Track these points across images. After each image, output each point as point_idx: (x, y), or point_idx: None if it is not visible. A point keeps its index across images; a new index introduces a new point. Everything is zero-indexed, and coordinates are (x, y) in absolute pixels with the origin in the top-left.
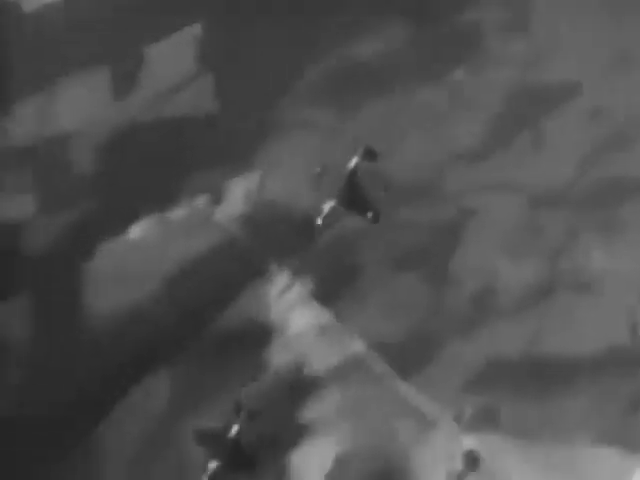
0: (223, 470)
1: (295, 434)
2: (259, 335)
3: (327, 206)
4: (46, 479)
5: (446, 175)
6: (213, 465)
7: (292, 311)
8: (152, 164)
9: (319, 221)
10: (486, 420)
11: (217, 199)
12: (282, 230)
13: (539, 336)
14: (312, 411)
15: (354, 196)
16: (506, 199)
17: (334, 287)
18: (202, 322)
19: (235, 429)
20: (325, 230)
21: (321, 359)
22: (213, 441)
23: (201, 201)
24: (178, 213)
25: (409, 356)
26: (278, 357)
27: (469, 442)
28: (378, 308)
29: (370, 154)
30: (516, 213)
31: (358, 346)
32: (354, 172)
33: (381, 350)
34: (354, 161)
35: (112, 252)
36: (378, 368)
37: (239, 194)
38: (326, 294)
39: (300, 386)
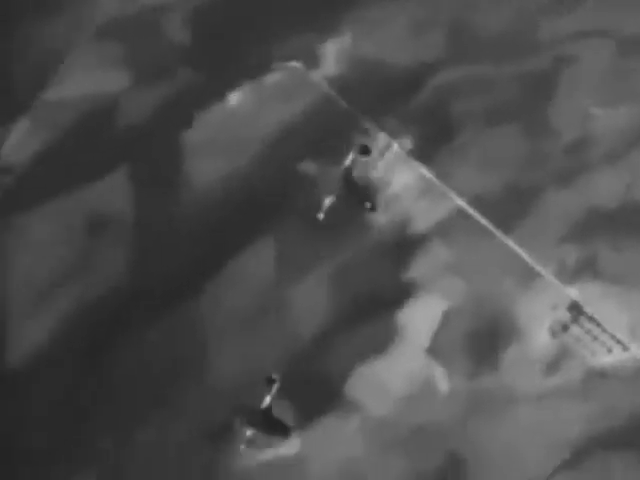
0: (259, 437)
1: (401, 293)
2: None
3: (327, 201)
4: (159, 338)
5: (539, 25)
6: (249, 433)
7: (392, 170)
8: (245, 31)
9: (321, 216)
10: (586, 269)
11: (311, 62)
12: (378, 90)
13: (635, 183)
14: (417, 269)
15: (351, 191)
16: (598, 46)
17: (432, 145)
18: (305, 183)
19: (267, 400)
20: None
21: (423, 217)
22: (247, 412)
23: (295, 65)
24: (273, 78)
25: (509, 209)
26: (381, 216)
27: (571, 292)
28: (476, 163)
29: (364, 150)
30: (608, 60)
31: (459, 202)
32: (350, 169)
33: (482, 205)
34: (350, 158)
35: (210, 120)
36: (480, 223)
37: (333, 56)
38: (425, 152)
39: (404, 245)
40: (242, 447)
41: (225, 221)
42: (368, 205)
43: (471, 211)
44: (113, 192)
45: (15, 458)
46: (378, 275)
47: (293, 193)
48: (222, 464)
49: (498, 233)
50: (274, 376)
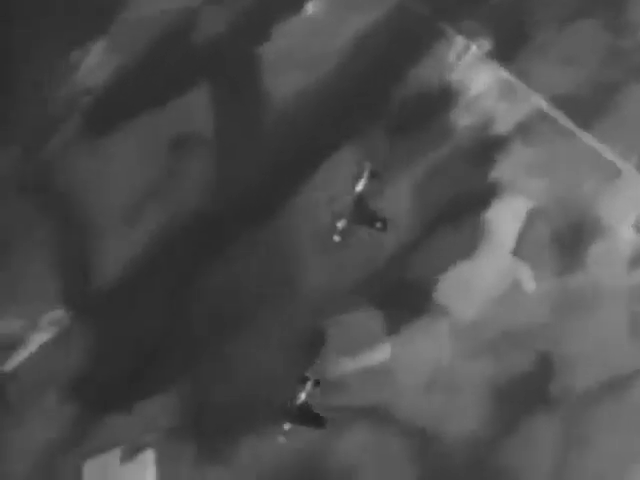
0: (296, 429)
1: (484, 195)
2: (442, 99)
3: (340, 225)
4: (245, 255)
5: None
6: (287, 427)
7: (472, 72)
8: None
9: (336, 238)
10: None
11: None
12: None
13: None
14: (499, 171)
15: (362, 214)
16: None
17: (511, 45)
18: (384, 90)
19: (302, 397)
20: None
21: (504, 118)
22: (283, 409)
23: None
24: None
25: (590, 106)
26: (463, 119)
27: None
28: (556, 61)
29: (374, 175)
30: None
31: (539, 101)
32: (361, 194)
33: (562, 103)
34: (361, 184)
35: (288, 32)
36: (561, 121)
37: None
38: (504, 53)
39: (485, 147)
40: (281, 439)
41: (306, 134)
42: (379, 225)
43: (552, 110)
44: (194, 110)
45: (102, 377)
46: (461, 179)
47: (373, 98)
48: (313, 375)
49: (579, 131)
50: (307, 374)
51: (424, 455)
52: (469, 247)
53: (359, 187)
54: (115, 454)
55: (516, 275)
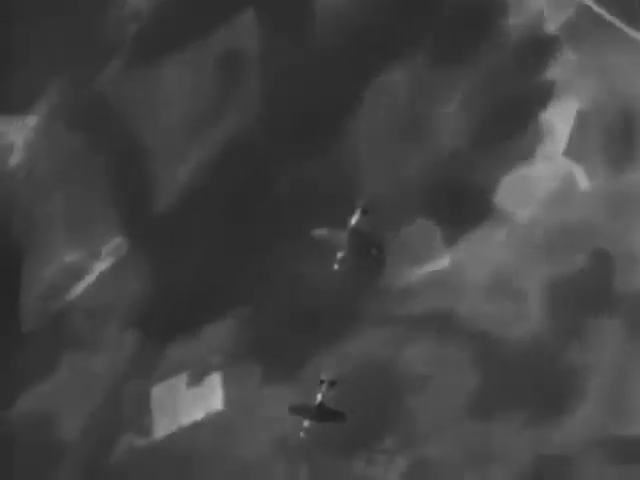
0: (316, 427)
1: (539, 96)
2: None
3: (339, 255)
4: (309, 168)
5: None
6: (307, 424)
7: None
8: None
9: (336, 266)
10: None
11: None
12: None
13: None
14: (552, 72)
15: (358, 245)
16: None
17: None
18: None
19: (319, 397)
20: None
21: (553, 18)
22: (303, 409)
23: None
24: None
25: (636, 2)
26: (514, 19)
27: None
28: None
29: (364, 212)
30: None
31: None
32: (355, 228)
33: (608, 1)
34: (354, 219)
35: None
36: (608, 20)
37: None
38: None
39: (538, 47)
40: (302, 435)
41: (356, 49)
42: (374, 251)
43: (598, 7)
44: (241, 32)
45: (162, 304)
46: (513, 81)
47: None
48: (375, 285)
49: (626, 27)
50: (323, 377)
51: (487, 358)
52: (524, 150)
53: (352, 222)
54: (182, 378)
55: (571, 174)
